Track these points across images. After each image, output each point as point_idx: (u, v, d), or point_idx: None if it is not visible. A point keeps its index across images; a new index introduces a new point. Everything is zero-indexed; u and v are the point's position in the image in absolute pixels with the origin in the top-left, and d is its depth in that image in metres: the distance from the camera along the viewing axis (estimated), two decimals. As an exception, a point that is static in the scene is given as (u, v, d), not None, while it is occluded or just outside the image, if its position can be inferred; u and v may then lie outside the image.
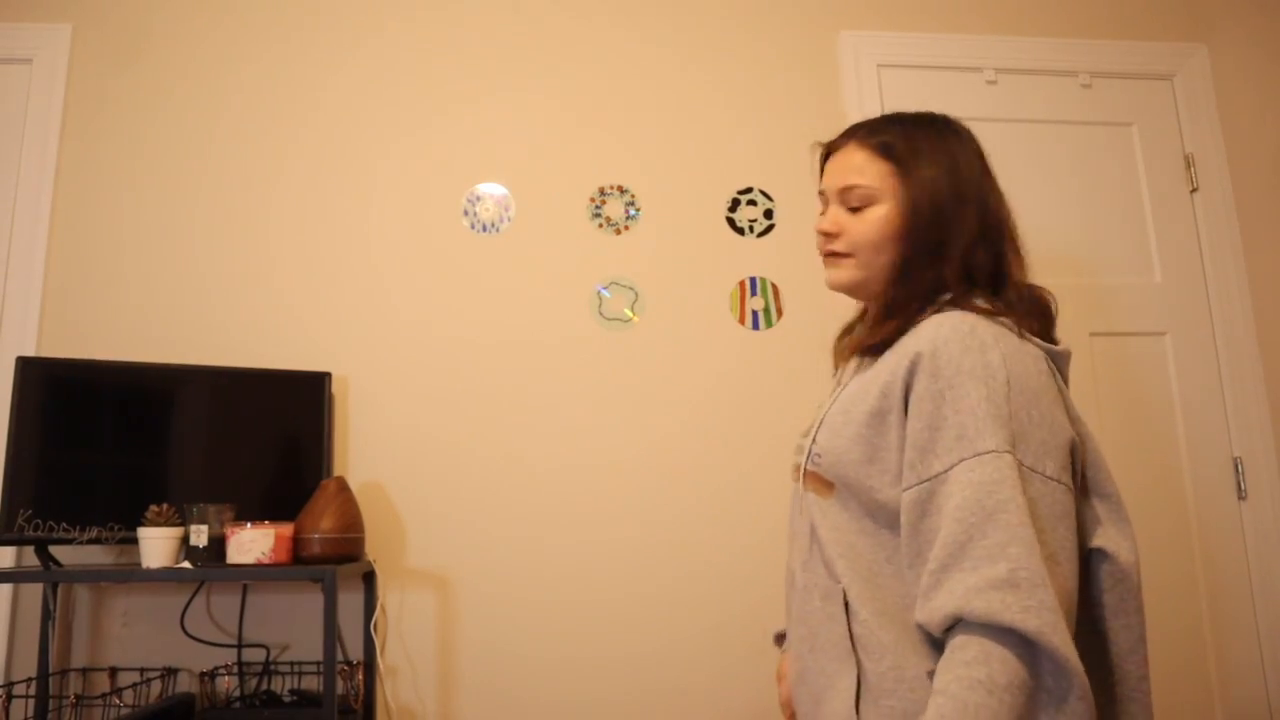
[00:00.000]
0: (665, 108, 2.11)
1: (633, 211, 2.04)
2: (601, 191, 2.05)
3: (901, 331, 1.02)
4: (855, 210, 1.08)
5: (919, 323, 1.00)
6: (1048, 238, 2.12)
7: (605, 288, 2.01)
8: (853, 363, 1.11)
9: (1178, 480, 2.04)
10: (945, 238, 1.04)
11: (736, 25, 2.16)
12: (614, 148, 2.07)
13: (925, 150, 1.08)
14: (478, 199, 2.02)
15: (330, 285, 1.96)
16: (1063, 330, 2.18)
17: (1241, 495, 2.04)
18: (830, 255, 1.11)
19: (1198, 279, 2.14)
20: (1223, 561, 2.00)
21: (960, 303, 1.01)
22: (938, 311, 1.00)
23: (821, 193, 1.14)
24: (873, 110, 2.12)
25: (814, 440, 1.04)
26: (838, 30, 2.17)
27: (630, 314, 2.00)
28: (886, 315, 1.05)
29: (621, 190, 2.05)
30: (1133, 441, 2.04)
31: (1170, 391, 2.07)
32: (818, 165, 1.18)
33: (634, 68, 2.12)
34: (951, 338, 0.94)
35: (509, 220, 2.02)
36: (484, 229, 2.01)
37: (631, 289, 2.01)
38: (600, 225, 2.03)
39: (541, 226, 2.03)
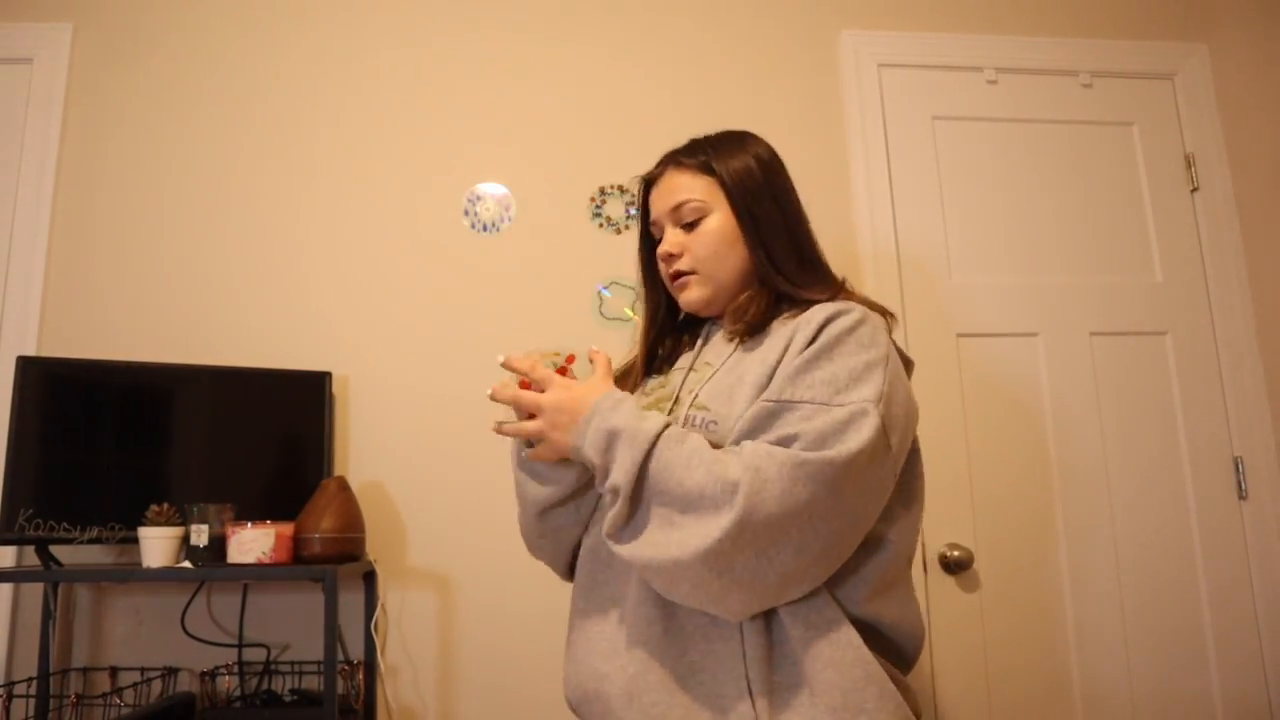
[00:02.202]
0: (667, 107, 2.11)
1: (633, 211, 2.04)
2: (602, 191, 2.05)
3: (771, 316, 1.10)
4: (690, 227, 1.14)
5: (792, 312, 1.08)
6: (1048, 237, 2.12)
7: (606, 287, 2.01)
8: (715, 347, 1.14)
9: (1178, 480, 2.04)
10: (774, 233, 1.13)
11: (737, 25, 2.16)
12: (615, 147, 2.07)
13: (736, 154, 1.16)
14: (478, 198, 2.02)
15: (331, 284, 1.96)
16: (1064, 329, 2.18)
17: (1242, 495, 2.04)
18: (677, 277, 1.16)
19: (1198, 278, 2.14)
20: (1223, 561, 2.00)
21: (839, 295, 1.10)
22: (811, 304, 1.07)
23: (654, 223, 1.19)
24: (873, 110, 2.12)
25: (697, 407, 1.04)
26: (839, 30, 2.17)
27: (631, 314, 2.00)
28: (759, 307, 1.11)
29: (622, 190, 2.05)
30: (1133, 441, 2.04)
31: (1170, 391, 2.07)
32: (639, 203, 1.23)
33: (635, 67, 2.12)
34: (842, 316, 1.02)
35: (509, 220, 2.02)
36: (484, 229, 2.01)
37: (632, 289, 2.01)
38: (601, 225, 2.03)
39: (542, 226, 2.03)
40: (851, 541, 0.95)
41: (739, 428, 0.97)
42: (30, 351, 1.82)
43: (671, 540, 0.90)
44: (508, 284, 1.99)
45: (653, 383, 1.19)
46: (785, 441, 0.92)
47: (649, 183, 1.21)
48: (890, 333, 1.06)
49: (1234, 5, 2.23)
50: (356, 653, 1.80)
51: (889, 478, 0.97)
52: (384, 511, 1.86)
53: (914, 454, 1.06)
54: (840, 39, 2.16)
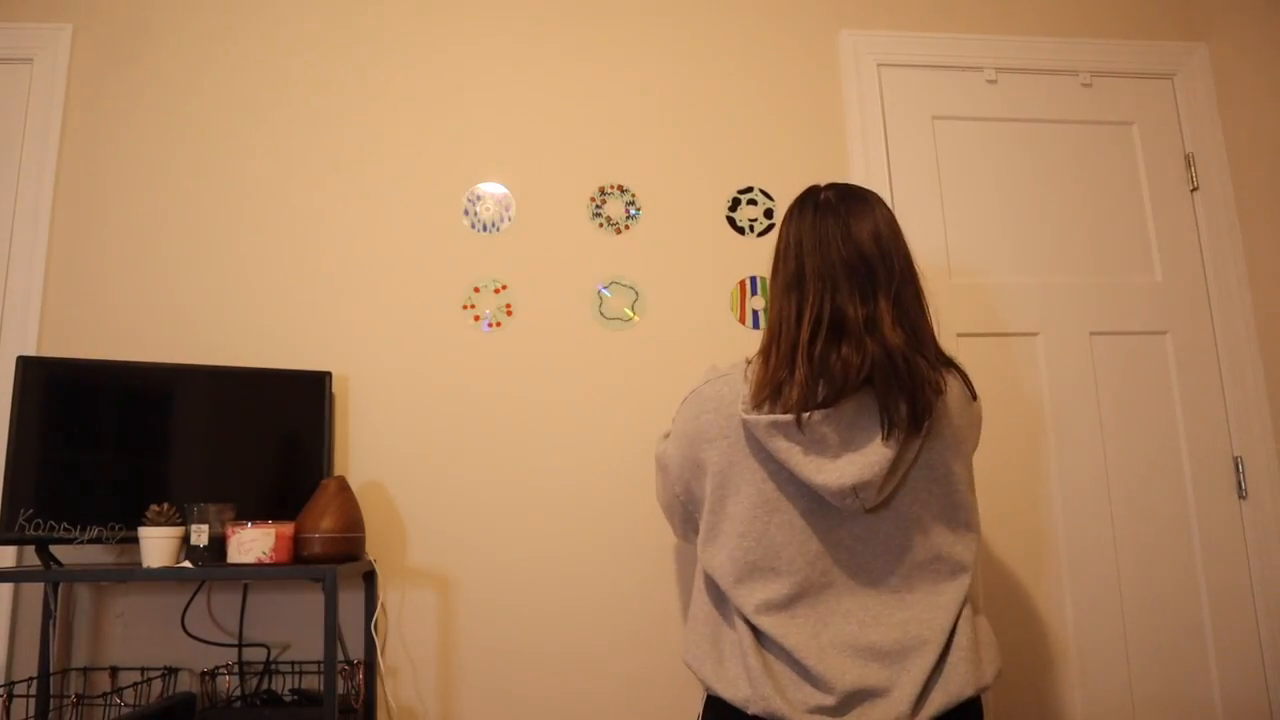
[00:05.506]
0: (666, 107, 2.11)
1: (633, 211, 2.04)
2: (602, 191, 2.05)
3: None
4: None
5: None
6: (1048, 237, 2.12)
7: (606, 287, 2.01)
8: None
9: (1178, 479, 2.04)
10: None
11: (737, 24, 2.16)
12: (614, 147, 2.08)
13: None
14: (478, 198, 2.02)
15: (331, 284, 1.96)
16: (1064, 329, 2.18)
17: (1242, 494, 2.04)
18: None
19: (1198, 278, 2.14)
20: (1223, 561, 2.00)
21: None
22: None
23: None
24: (873, 110, 2.12)
25: None
26: (838, 29, 2.17)
27: (631, 314, 2.00)
28: None
29: (622, 190, 2.05)
30: (1133, 441, 2.04)
31: (1170, 391, 2.08)
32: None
33: (635, 67, 2.12)
34: None
35: (510, 220, 2.02)
36: (485, 228, 2.01)
37: (632, 288, 2.01)
38: (601, 225, 2.03)
39: (542, 226, 2.03)
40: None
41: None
42: (30, 351, 1.82)
43: None
44: (508, 283, 1.98)
45: None
46: None
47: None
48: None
49: (1234, 5, 2.23)
50: (356, 652, 1.80)
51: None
52: (384, 511, 1.87)
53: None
54: (839, 38, 2.16)
